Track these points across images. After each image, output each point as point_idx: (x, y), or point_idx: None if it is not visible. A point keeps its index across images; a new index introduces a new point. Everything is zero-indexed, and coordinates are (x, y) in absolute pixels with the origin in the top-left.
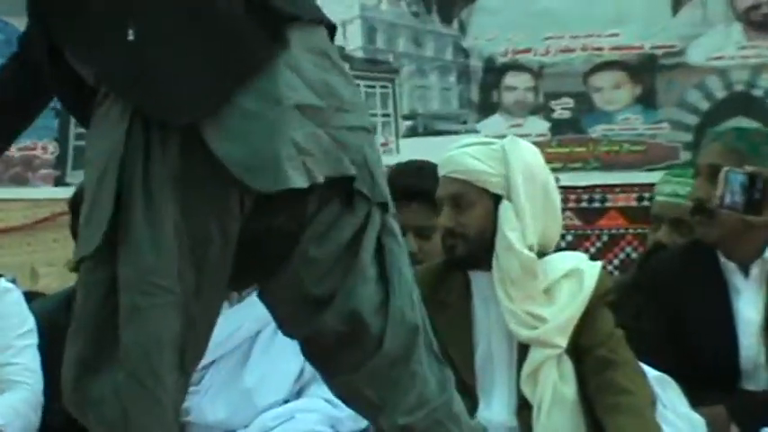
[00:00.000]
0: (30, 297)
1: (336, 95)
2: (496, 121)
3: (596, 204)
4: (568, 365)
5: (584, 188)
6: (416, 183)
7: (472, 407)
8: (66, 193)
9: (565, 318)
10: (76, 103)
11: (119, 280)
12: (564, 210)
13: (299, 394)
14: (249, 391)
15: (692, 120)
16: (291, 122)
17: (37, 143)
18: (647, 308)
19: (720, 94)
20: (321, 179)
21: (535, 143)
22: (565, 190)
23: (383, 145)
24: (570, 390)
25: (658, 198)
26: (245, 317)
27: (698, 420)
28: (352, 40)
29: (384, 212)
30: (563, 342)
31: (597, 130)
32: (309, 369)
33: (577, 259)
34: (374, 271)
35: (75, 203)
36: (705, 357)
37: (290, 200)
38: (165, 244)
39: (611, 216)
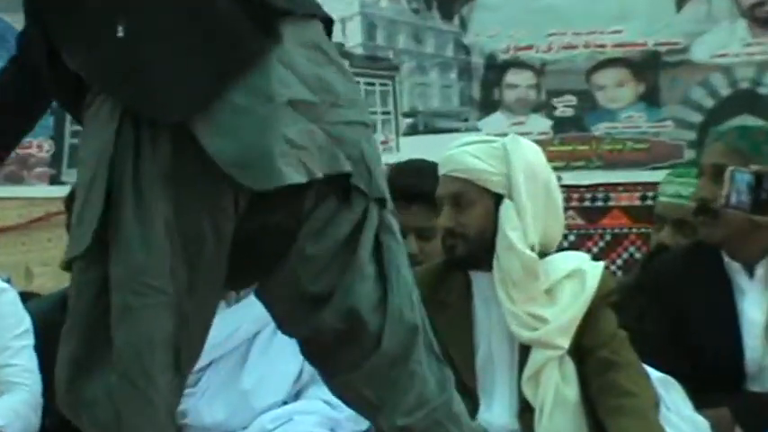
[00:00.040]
0: (25, 297)
1: (331, 90)
2: (498, 119)
3: (599, 203)
4: (570, 367)
5: (587, 187)
6: (416, 183)
7: (473, 409)
8: (62, 191)
9: (567, 319)
10: (76, 105)
11: (110, 279)
12: (566, 209)
13: (297, 396)
14: (247, 392)
15: (697, 118)
16: (283, 119)
17: (32, 141)
18: (650, 309)
19: (725, 91)
20: (320, 175)
21: (537, 141)
22: (567, 189)
23: (383, 143)
24: (572, 391)
25: (661, 199)
26: (243, 318)
27: (702, 423)
28: (351, 37)
29: (382, 208)
30: (565, 343)
31: (600, 129)
32: (308, 370)
33: (580, 259)
34: (372, 268)
35: (70, 202)
36: (709, 359)
37: (287, 196)
38: (156, 242)
39: (615, 215)
